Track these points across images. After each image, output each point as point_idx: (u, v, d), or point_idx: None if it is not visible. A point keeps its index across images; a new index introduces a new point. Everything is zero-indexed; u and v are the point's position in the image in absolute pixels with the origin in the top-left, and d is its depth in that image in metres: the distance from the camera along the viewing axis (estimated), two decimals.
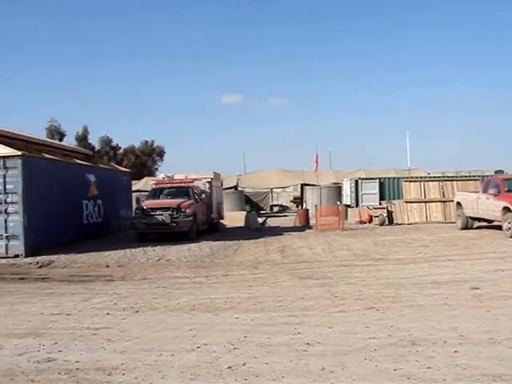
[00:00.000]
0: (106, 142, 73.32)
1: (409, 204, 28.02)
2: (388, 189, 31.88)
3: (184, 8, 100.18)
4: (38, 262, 16.05)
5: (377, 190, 31.85)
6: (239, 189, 45.33)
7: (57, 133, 68.06)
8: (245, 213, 32.06)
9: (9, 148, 17.78)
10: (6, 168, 17.31)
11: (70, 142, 62.07)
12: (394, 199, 30.05)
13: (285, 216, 39.41)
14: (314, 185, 35.56)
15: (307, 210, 30.47)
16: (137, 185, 41.93)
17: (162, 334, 7.58)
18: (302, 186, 44.43)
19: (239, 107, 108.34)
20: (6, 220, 17.36)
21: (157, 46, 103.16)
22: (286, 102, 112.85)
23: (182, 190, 23.39)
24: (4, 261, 16.67)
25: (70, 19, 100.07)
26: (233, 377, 5.71)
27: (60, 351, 6.92)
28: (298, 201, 46.97)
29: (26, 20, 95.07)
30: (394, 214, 28.17)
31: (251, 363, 6.12)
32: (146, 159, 76.06)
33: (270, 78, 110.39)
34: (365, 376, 5.61)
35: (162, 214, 20.90)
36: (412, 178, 31.40)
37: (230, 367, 6.00)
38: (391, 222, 27.89)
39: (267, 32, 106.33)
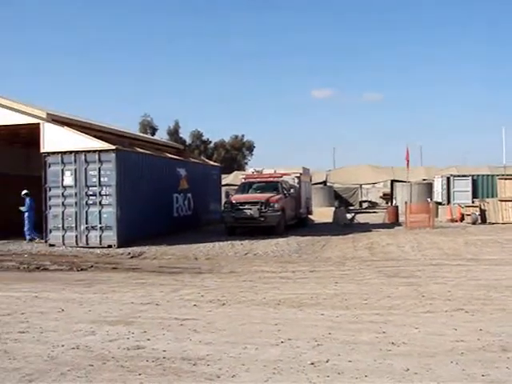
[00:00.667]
0: (197, 136, 74.66)
1: (504, 202, 27.00)
2: (481, 186, 30.93)
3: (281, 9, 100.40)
4: (129, 253, 16.57)
5: (469, 188, 30.97)
6: (328, 184, 45.07)
7: (149, 127, 69.94)
8: (333, 208, 31.87)
9: (103, 142, 18.41)
10: (100, 161, 17.95)
11: (161, 136, 63.67)
12: (487, 197, 29.08)
13: (374, 212, 38.90)
14: (405, 181, 34.90)
15: (397, 207, 29.98)
16: (226, 179, 42.44)
17: (247, 328, 7.66)
18: (392, 182, 43.73)
19: (329, 102, 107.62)
20: (100, 211, 18.02)
21: (248, 43, 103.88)
22: (379, 95, 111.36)
23: (270, 185, 23.49)
24: (98, 251, 17.32)
25: (172, 15, 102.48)
26: (315, 373, 5.70)
27: (148, 340, 7.13)
28: (388, 197, 46.29)
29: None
30: (487, 213, 27.22)
31: (334, 360, 6.09)
32: (235, 153, 76.90)
33: (362, 71, 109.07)
34: (450, 380, 5.46)
35: (250, 209, 21.07)
36: (508, 175, 30.26)
37: (312, 363, 5.99)
38: (484, 221, 26.97)
39: (363, 24, 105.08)
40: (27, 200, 20.88)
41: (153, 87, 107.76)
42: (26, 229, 20.70)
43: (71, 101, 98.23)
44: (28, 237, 20.50)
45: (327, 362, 6.05)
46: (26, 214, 20.70)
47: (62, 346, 6.97)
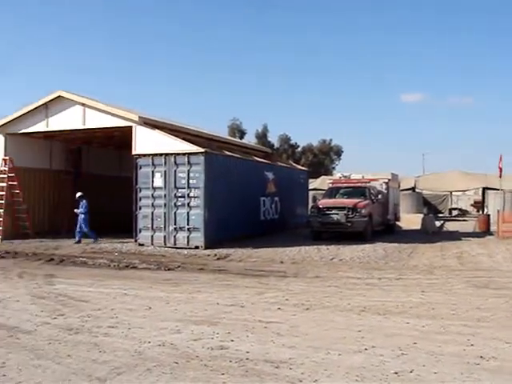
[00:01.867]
0: (285, 140, 74.74)
1: None
2: None
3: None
4: (215, 255, 16.80)
5: None
6: (417, 190, 44.13)
7: (238, 131, 70.57)
8: (422, 215, 31.17)
9: (193, 145, 18.77)
10: (189, 164, 18.31)
11: (249, 139, 64.14)
12: None
13: (464, 220, 37.75)
14: (497, 189, 33.69)
15: (488, 216, 28.97)
16: (313, 183, 42.32)
17: (331, 333, 7.62)
18: (484, 189, 42.31)
19: (419, 106, 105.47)
20: (188, 213, 18.38)
21: (337, 46, 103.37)
22: (469, 99, 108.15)
23: (358, 190, 23.28)
24: (185, 251, 17.66)
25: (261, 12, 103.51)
26: (399, 383, 5.61)
27: (232, 340, 7.21)
28: (479, 205, 44.83)
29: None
30: None
31: (419, 371, 5.96)
32: (323, 158, 76.46)
33: (452, 75, 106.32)
34: None
35: (337, 214, 20.93)
36: None
37: (396, 373, 5.89)
38: None
39: (457, 25, 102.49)
40: (82, 202, 21.32)
41: (242, 91, 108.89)
42: (77, 230, 21.06)
43: (163, 104, 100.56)
44: (77, 238, 20.90)
45: (411, 372, 5.93)
46: (82, 216, 21.10)
47: (149, 342, 7.16)
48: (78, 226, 21.10)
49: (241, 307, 9.42)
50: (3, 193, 21.85)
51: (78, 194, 21.50)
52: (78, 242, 20.69)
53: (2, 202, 21.80)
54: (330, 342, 7.12)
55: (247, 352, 6.70)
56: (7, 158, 22.23)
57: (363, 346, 6.89)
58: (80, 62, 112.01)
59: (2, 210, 21.73)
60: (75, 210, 21.41)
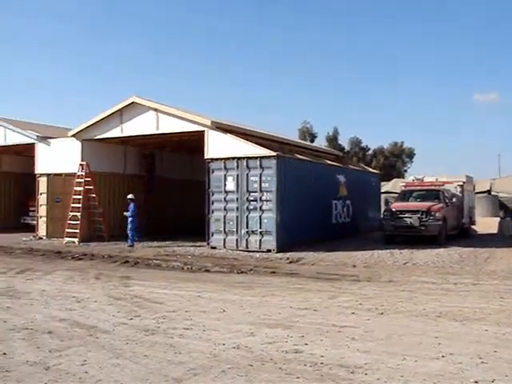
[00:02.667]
0: (356, 143, 74.16)
1: None
2: None
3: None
4: (288, 258, 16.79)
5: None
6: (493, 193, 42.89)
7: (308, 134, 70.47)
8: (498, 219, 30.28)
9: (265, 149, 18.84)
10: (262, 167, 18.39)
11: (320, 143, 63.96)
12: None
13: None
14: None
15: None
16: (385, 186, 41.73)
17: (406, 339, 7.48)
18: None
19: (494, 106, 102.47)
20: (260, 217, 18.44)
21: (404, 46, 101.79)
22: None
23: (432, 193, 22.82)
24: (257, 254, 17.73)
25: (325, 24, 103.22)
26: None
27: (306, 344, 7.19)
28: None
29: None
30: None
31: (501, 381, 5.76)
32: (394, 160, 75.39)
33: None
34: None
35: (410, 217, 20.59)
36: None
37: (476, 382, 5.71)
38: None
39: None
40: (131, 205, 21.48)
41: (313, 94, 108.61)
42: (129, 234, 21.25)
43: (233, 108, 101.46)
44: (129, 242, 21.08)
45: (493, 382, 5.74)
46: (130, 219, 21.31)
47: (223, 344, 7.22)
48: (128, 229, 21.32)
49: (314, 311, 9.39)
50: (80, 197, 22.49)
51: (129, 196, 21.75)
52: (131, 246, 20.89)
53: (80, 205, 22.44)
54: (405, 348, 7.00)
55: (322, 356, 6.66)
56: (84, 163, 22.89)
57: (440, 353, 6.74)
58: (153, 65, 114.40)
59: (79, 214, 22.37)
60: (124, 213, 21.76)
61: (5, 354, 6.89)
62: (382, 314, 9.15)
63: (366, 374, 5.98)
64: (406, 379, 5.81)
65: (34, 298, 10.68)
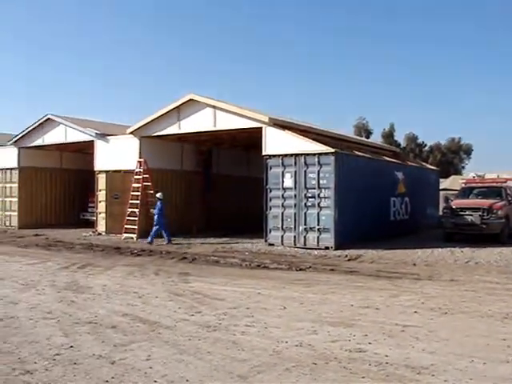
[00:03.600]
0: (412, 139, 73.22)
1: None
2: None
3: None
4: (346, 256, 16.62)
5: None
6: None
7: (364, 130, 69.93)
8: None
9: (322, 145, 18.69)
10: (320, 164, 18.24)
11: (376, 139, 63.30)
12: None
13: None
14: None
15: None
16: (443, 183, 41.01)
17: (472, 340, 7.30)
18: None
19: None
20: (318, 213, 18.30)
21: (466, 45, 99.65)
22: None
23: (493, 190, 22.22)
24: (315, 252, 17.61)
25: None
26: None
27: (370, 343, 7.09)
28: None
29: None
30: None
31: None
32: (452, 157, 74.14)
33: None
34: None
35: (471, 215, 20.09)
36: None
37: None
38: None
39: None
40: (158, 204, 21.41)
41: (368, 90, 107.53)
42: (152, 231, 21.19)
43: (288, 105, 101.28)
44: (149, 239, 20.98)
45: None
46: (156, 217, 21.23)
47: (286, 342, 7.18)
48: (157, 227, 21.28)
49: (376, 309, 9.26)
50: (138, 193, 22.78)
51: (157, 195, 21.73)
52: (150, 243, 20.81)
53: (138, 202, 22.73)
54: (472, 350, 6.82)
55: (386, 356, 6.55)
56: (142, 160, 23.17)
57: (510, 356, 6.53)
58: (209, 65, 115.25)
59: (137, 210, 22.66)
60: (151, 211, 21.92)
61: (72, 346, 7.02)
62: (445, 313, 8.95)
63: (432, 376, 5.86)
64: (476, 382, 5.66)
65: (96, 293, 10.86)
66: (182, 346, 7.06)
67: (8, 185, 29.82)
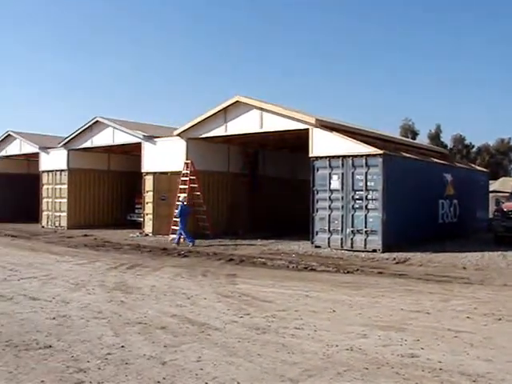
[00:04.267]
0: (459, 140, 72.01)
1: None
2: None
3: None
4: (394, 258, 16.39)
5: None
6: None
7: (410, 131, 69.06)
8: None
9: (370, 147, 18.48)
10: (367, 166, 18.03)
11: (422, 140, 62.44)
12: None
13: None
14: None
15: None
16: (492, 185, 40.10)
17: None
18: None
19: None
20: (366, 216, 18.09)
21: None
22: None
23: None
24: (362, 254, 17.42)
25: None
26: None
27: (422, 349, 6.95)
28: None
29: None
30: None
31: None
32: (501, 158, 72.58)
33: None
34: None
35: None
36: None
37: None
38: None
39: None
40: (180, 206, 21.50)
41: (414, 90, 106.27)
42: (177, 233, 21.37)
43: (335, 106, 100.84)
44: (174, 242, 21.08)
45: None
46: (179, 220, 21.32)
47: (336, 346, 7.10)
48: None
49: (427, 314, 9.09)
50: (185, 195, 22.91)
51: (180, 198, 21.88)
52: (177, 243, 20.89)
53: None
54: None
55: (439, 362, 6.41)
56: (189, 161, 23.32)
57: None
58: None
59: None
60: (175, 215, 22.07)
61: (123, 346, 7.07)
62: (499, 319, 8.72)
63: None
64: None
65: (145, 294, 10.94)
66: (231, 347, 7.04)
67: (58, 186, 30.41)
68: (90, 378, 5.92)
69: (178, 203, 21.89)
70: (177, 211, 21.67)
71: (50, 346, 7.10)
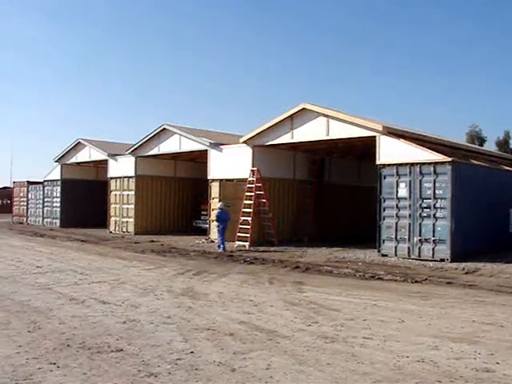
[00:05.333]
0: None
1: None
2: None
3: None
4: (463, 268, 15.98)
5: None
6: None
7: (477, 138, 67.35)
8: None
9: (439, 154, 18.11)
10: (436, 173, 17.65)
11: (489, 147, 60.79)
12: None
13: None
14: None
15: None
16: None
17: None
18: None
19: None
20: (434, 224, 17.69)
21: None
22: None
23: None
24: (430, 264, 17.06)
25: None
26: None
27: (497, 363, 6.75)
28: None
29: None
30: None
31: None
32: None
33: None
34: None
35: None
36: None
37: None
38: None
39: None
40: (218, 212, 22.11)
41: (482, 95, 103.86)
42: (219, 239, 21.77)
43: (396, 113, 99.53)
44: (220, 248, 21.40)
45: None
46: (217, 225, 22.01)
47: (407, 357, 6.99)
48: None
49: (500, 327, 8.83)
50: (251, 202, 23.01)
51: (217, 205, 22.60)
52: (223, 249, 21.32)
53: (251, 210, 22.94)
54: None
55: None
56: (255, 168, 23.40)
57: None
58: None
59: (249, 218, 22.87)
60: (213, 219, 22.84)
61: (192, 352, 7.15)
62: None
63: None
64: None
65: (212, 300, 11.03)
66: (300, 356, 7.02)
67: (125, 192, 31.03)
68: (162, 382, 6.02)
69: (216, 209, 22.67)
70: (215, 217, 22.21)
71: (122, 350, 7.25)
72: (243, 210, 23.07)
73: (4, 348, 7.36)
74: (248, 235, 22.57)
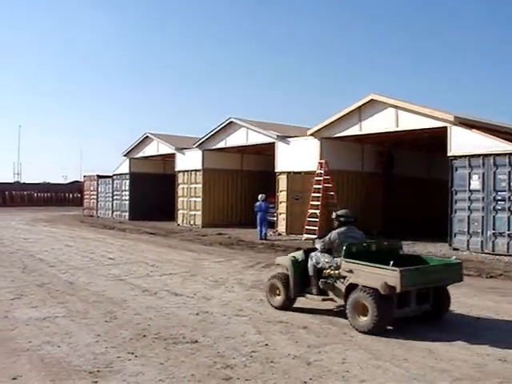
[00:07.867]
0: None
1: None
2: None
3: None
4: None
5: None
6: None
7: None
8: None
9: None
10: (511, 165, 17.03)
11: None
12: None
13: None
14: None
15: None
16: None
17: None
18: None
19: None
20: (508, 218, 17.04)
21: None
22: None
23: None
24: (506, 259, 16.42)
25: None
26: None
27: None
28: None
29: None
30: None
31: None
32: None
33: None
34: None
35: None
36: None
37: None
38: None
39: None
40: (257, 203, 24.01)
41: None
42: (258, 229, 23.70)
43: (468, 103, 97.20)
44: (258, 237, 23.29)
45: None
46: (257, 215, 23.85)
47: (487, 355, 6.86)
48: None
49: None
50: (319, 194, 22.85)
51: (259, 197, 24.20)
52: (263, 237, 23.37)
53: (319, 203, 22.79)
54: None
55: None
56: (323, 161, 23.24)
57: None
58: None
59: (318, 211, 22.72)
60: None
61: (267, 344, 7.15)
62: None
63: None
64: None
65: None
66: (376, 350, 6.91)
67: (193, 185, 31.32)
68: (238, 374, 6.02)
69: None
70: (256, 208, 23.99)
71: (197, 341, 7.31)
72: (311, 203, 22.93)
73: (84, 336, 7.55)
74: (316, 228, 22.41)
